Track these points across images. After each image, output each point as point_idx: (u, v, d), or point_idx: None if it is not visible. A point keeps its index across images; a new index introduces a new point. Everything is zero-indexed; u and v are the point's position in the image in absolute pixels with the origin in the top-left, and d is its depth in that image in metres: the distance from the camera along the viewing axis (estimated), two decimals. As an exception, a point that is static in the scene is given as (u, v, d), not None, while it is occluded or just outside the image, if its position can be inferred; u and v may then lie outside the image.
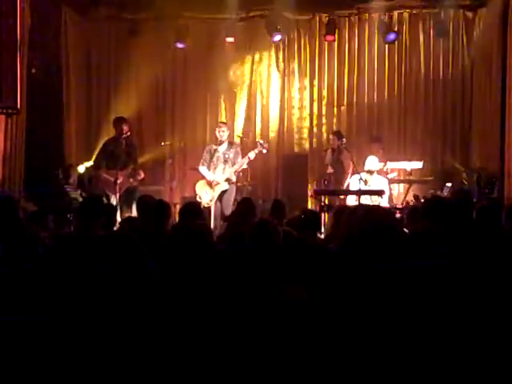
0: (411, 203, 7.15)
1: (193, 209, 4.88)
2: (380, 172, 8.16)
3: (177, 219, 8.55)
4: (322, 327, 2.47)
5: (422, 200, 7.00)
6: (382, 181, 7.86)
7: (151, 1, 9.03)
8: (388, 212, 4.76)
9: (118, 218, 6.75)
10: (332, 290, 2.77)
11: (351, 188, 7.91)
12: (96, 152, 8.03)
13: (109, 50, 9.61)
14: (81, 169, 8.21)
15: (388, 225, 3.27)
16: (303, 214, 4.93)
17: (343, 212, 4.84)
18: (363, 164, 7.98)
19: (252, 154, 8.01)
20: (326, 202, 7.78)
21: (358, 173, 7.75)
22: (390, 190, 8.11)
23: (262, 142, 8.11)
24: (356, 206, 6.71)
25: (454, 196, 6.13)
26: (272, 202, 6.01)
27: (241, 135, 8.35)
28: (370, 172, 7.79)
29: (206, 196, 8.01)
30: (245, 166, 8.27)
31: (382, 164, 8.35)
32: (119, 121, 7.62)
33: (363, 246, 3.16)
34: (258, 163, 8.74)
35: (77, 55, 9.41)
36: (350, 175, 8.38)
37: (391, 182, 8.21)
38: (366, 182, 7.61)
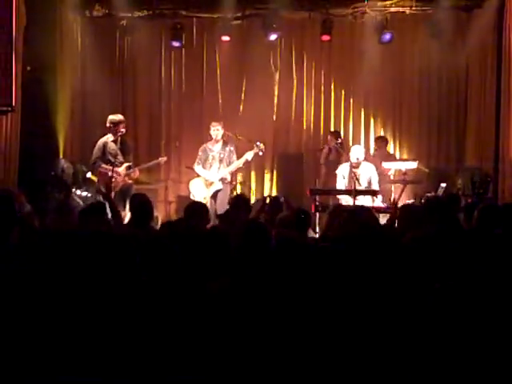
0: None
1: (198, 209, 4.86)
2: (385, 174, 8.16)
3: (171, 216, 8.66)
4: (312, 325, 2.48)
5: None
6: (369, 167, 7.92)
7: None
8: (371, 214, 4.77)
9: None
10: (322, 286, 2.78)
11: (338, 179, 7.94)
12: (93, 151, 8.00)
13: (104, 48, 9.59)
14: (88, 174, 8.20)
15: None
16: (296, 213, 4.93)
17: (339, 211, 4.85)
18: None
19: (249, 156, 7.99)
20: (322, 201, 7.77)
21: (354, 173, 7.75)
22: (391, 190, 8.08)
23: (258, 143, 8.02)
24: (353, 206, 6.69)
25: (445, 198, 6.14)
26: (270, 200, 6.01)
27: (236, 134, 8.33)
28: (357, 163, 7.78)
29: (199, 194, 8.01)
30: (240, 166, 8.27)
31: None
32: (114, 119, 7.60)
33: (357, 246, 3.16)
34: (253, 162, 8.74)
35: (72, 53, 9.38)
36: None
37: (390, 182, 8.19)
38: (356, 177, 7.56)
